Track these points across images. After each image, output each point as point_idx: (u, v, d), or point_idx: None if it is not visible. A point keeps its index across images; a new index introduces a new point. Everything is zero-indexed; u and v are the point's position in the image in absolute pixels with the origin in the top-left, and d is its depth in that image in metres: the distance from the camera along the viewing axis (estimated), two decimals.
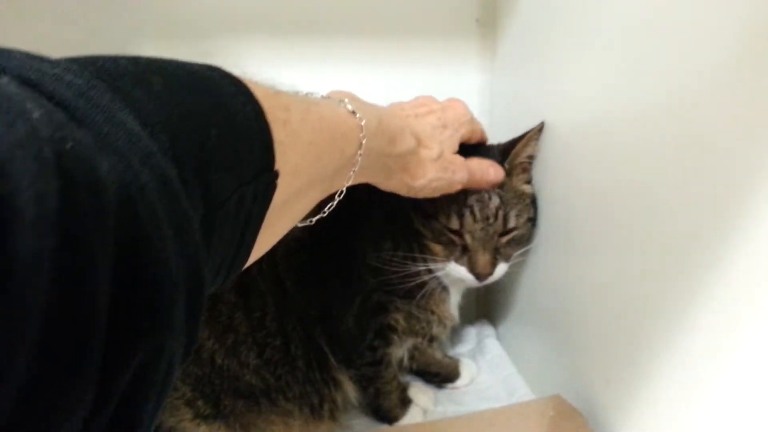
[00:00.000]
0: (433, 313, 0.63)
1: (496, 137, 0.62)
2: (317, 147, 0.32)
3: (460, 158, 0.51)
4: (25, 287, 0.13)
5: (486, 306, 0.82)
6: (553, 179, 0.58)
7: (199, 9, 0.66)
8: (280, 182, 0.28)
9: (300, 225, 0.38)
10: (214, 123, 0.24)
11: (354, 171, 0.38)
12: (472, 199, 0.55)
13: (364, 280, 0.58)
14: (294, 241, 0.57)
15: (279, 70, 0.69)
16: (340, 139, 0.35)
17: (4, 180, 0.13)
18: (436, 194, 0.50)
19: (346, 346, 0.59)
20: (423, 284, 0.58)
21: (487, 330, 0.79)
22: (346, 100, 0.38)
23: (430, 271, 0.58)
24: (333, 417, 0.62)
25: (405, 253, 0.57)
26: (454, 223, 0.55)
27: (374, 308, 0.59)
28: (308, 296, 0.58)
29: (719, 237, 0.34)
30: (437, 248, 0.57)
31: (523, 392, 0.66)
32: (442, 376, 0.71)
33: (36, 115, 0.15)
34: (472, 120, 0.55)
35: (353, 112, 0.37)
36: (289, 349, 0.57)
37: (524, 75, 0.65)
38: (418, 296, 0.59)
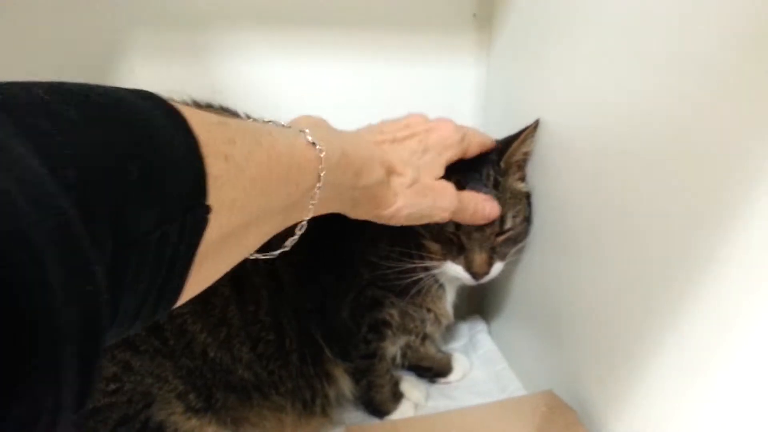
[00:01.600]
0: (429, 310, 0.63)
1: (490, 132, 0.62)
2: (265, 181, 0.31)
3: (445, 184, 0.48)
4: None
5: (478, 301, 0.82)
6: (547, 176, 0.58)
7: (194, 0, 0.65)
8: (215, 218, 0.27)
9: (262, 257, 0.37)
10: (134, 157, 0.23)
11: (313, 204, 0.36)
12: None
13: (360, 275, 0.58)
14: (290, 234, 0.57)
15: (274, 64, 0.70)
16: (296, 172, 0.33)
17: None
18: (416, 223, 0.47)
19: (341, 338, 0.59)
20: (419, 281, 0.58)
21: (480, 325, 0.80)
22: (308, 130, 0.35)
23: (426, 269, 0.58)
24: (325, 412, 0.62)
25: (401, 249, 0.57)
26: (451, 225, 0.55)
27: (369, 303, 0.59)
28: (304, 290, 0.57)
29: (713, 235, 0.34)
30: (434, 247, 0.57)
31: (515, 387, 0.66)
32: (434, 370, 0.71)
33: None
34: (461, 140, 0.52)
35: (313, 143, 0.35)
36: (284, 344, 0.57)
37: (520, 70, 0.65)
38: (414, 293, 0.59)
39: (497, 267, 0.57)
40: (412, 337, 0.64)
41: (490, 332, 0.79)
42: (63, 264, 0.18)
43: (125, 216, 0.22)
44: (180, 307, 0.52)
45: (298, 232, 0.38)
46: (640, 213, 0.42)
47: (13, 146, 0.18)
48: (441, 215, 0.48)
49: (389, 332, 0.61)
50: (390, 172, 0.43)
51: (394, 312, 0.60)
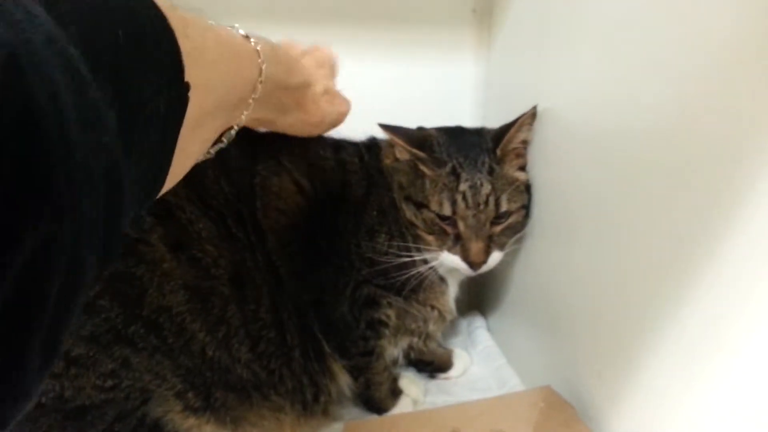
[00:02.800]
0: (433, 308, 0.62)
1: (491, 124, 0.62)
2: (222, 66, 0.32)
3: (338, 92, 0.55)
4: None
5: (477, 298, 0.82)
6: (547, 169, 0.58)
7: None
8: (192, 97, 0.28)
9: (201, 158, 0.37)
10: (120, 23, 0.23)
11: (253, 99, 0.37)
12: (464, 185, 0.55)
13: (356, 269, 0.58)
14: (289, 229, 0.57)
15: None
16: (242, 62, 0.35)
17: None
18: (330, 129, 0.53)
19: (339, 333, 0.59)
20: (418, 275, 0.58)
21: (478, 321, 0.80)
22: (237, 25, 0.37)
23: (425, 261, 0.57)
24: (326, 411, 0.61)
25: (399, 243, 0.57)
26: (447, 210, 0.55)
27: (366, 300, 0.59)
28: (303, 283, 0.57)
29: (712, 230, 0.35)
30: (429, 238, 0.57)
31: (513, 383, 0.66)
32: (435, 365, 0.71)
33: None
34: (336, 58, 0.58)
35: (247, 37, 0.36)
36: (285, 340, 0.56)
37: (519, 65, 0.65)
38: (414, 288, 0.59)
39: (495, 256, 0.57)
40: (415, 339, 0.64)
41: (488, 328, 0.79)
42: (76, 107, 0.18)
43: (122, 80, 0.22)
44: (179, 305, 0.52)
45: (236, 128, 0.39)
46: (641, 206, 0.42)
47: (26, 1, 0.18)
48: (343, 119, 0.55)
49: (386, 331, 0.61)
50: (308, 80, 0.48)
51: (391, 313, 0.60)
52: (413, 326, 0.62)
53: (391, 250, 0.56)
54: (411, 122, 0.60)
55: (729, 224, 0.33)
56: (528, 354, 0.67)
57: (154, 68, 0.25)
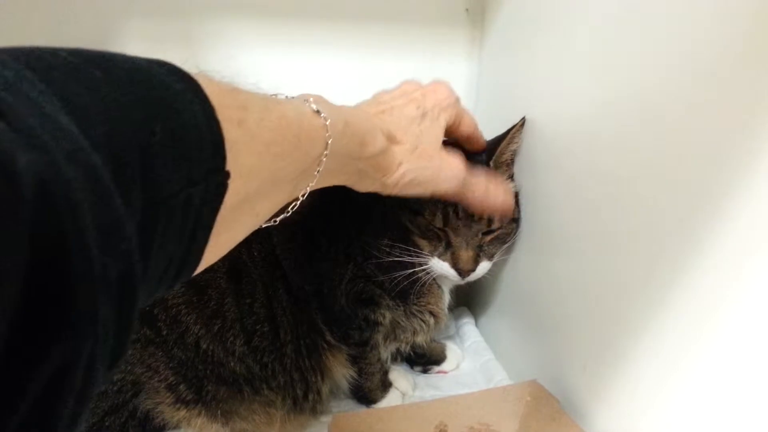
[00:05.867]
0: (431, 314, 0.63)
1: (481, 126, 0.62)
2: (278, 147, 0.31)
3: (453, 153, 0.48)
4: None
5: (465, 293, 0.83)
6: (535, 171, 0.58)
7: None
8: (233, 183, 0.27)
9: (264, 225, 0.37)
10: (157, 119, 0.23)
11: (318, 171, 0.37)
12: None
13: (352, 259, 0.59)
14: (290, 226, 0.57)
15: (266, 57, 0.69)
16: (305, 140, 0.34)
17: None
18: (421, 190, 0.46)
19: (342, 323, 0.60)
20: (413, 276, 0.58)
21: (466, 317, 0.81)
22: (311, 99, 0.36)
23: (420, 264, 0.58)
24: (314, 409, 0.62)
25: (391, 242, 0.57)
26: (439, 222, 0.56)
27: (364, 298, 0.60)
28: (303, 275, 0.58)
29: (696, 228, 0.36)
30: (423, 243, 0.58)
31: (500, 378, 0.67)
32: (427, 358, 0.72)
33: None
34: (456, 103, 0.51)
35: (318, 112, 0.36)
36: (278, 335, 0.57)
37: (512, 65, 0.65)
38: (414, 292, 0.60)
39: (484, 266, 0.58)
40: (403, 345, 0.66)
41: (476, 324, 0.80)
42: (97, 219, 0.18)
43: (152, 176, 0.22)
44: (175, 297, 0.52)
45: (301, 198, 0.38)
46: (626, 207, 0.43)
47: (43, 103, 0.18)
48: (446, 186, 0.47)
49: (381, 327, 0.62)
50: (391, 140, 0.44)
51: (387, 314, 0.61)
52: (402, 336, 0.64)
53: (394, 251, 0.57)
54: None
55: (710, 226, 0.34)
56: (515, 349, 0.68)
57: (192, 160, 0.25)
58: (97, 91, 0.21)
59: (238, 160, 0.27)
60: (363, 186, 0.44)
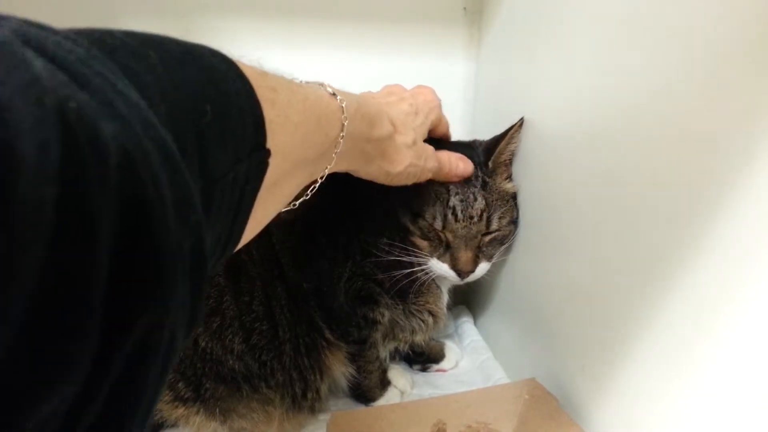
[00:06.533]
0: (430, 313, 0.64)
1: (479, 125, 0.63)
2: (304, 128, 0.33)
3: (430, 147, 0.52)
4: (26, 231, 0.13)
5: (464, 293, 0.83)
6: (534, 171, 0.58)
7: None
8: (271, 162, 0.28)
9: (284, 209, 0.38)
10: (208, 98, 0.24)
11: (336, 154, 0.38)
12: (455, 200, 0.56)
13: (351, 257, 0.59)
14: (290, 224, 0.58)
15: (263, 54, 0.69)
16: (325, 122, 0.35)
17: (4, 124, 0.12)
18: (409, 182, 0.50)
19: (341, 321, 0.60)
20: (412, 274, 0.58)
21: (465, 316, 0.81)
22: (326, 83, 0.38)
23: (419, 264, 0.58)
24: (313, 408, 0.62)
25: (390, 241, 0.58)
26: (438, 224, 0.56)
27: (362, 296, 0.60)
28: (302, 274, 0.58)
29: (692, 229, 0.36)
30: (423, 243, 0.58)
31: (499, 377, 0.67)
32: (426, 356, 0.72)
33: (38, 65, 0.14)
34: (440, 106, 0.56)
35: (334, 95, 0.37)
36: (277, 333, 0.57)
37: (510, 64, 0.65)
38: (413, 291, 0.60)
39: (483, 267, 0.58)
40: (401, 344, 0.66)
41: (475, 323, 0.80)
42: (173, 193, 0.19)
43: (206, 155, 0.23)
44: None
45: (320, 181, 0.40)
46: (623, 207, 0.43)
47: (115, 80, 0.19)
48: (426, 176, 0.52)
49: (380, 327, 0.62)
50: (395, 129, 0.46)
51: (386, 313, 0.61)
52: (401, 335, 0.64)
53: (393, 250, 0.57)
54: None
55: (709, 226, 0.34)
56: (513, 348, 0.68)
57: (238, 139, 0.26)
58: (154, 71, 0.22)
59: (274, 138, 0.28)
60: (367, 171, 0.46)
